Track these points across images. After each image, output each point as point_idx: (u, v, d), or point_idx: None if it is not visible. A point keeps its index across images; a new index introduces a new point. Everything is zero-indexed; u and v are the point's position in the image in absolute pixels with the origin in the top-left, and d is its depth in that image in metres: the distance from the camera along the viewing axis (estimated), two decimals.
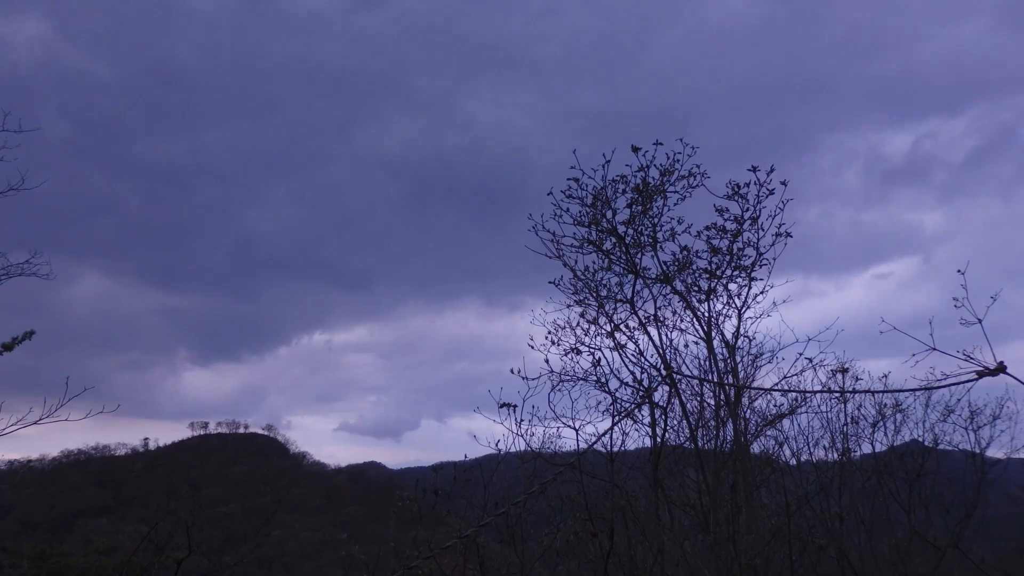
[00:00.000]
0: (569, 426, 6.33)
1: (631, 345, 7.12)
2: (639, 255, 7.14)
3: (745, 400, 7.34)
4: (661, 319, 7.18)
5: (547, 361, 7.19)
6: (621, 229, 7.10)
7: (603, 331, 7.19)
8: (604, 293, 7.24)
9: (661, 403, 6.84)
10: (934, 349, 3.53)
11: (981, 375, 3.02)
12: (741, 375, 7.22)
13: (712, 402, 7.01)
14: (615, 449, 6.22)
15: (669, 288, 7.20)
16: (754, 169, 6.85)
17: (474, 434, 6.24)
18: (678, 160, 6.90)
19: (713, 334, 7.11)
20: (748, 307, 7.18)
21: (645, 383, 6.98)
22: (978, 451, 8.87)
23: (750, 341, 7.25)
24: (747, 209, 6.96)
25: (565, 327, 7.38)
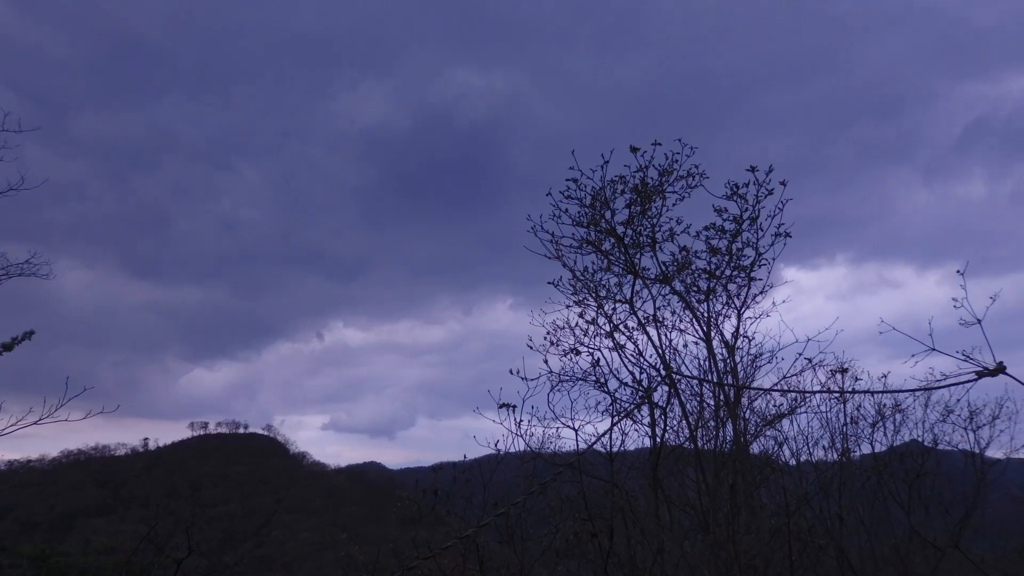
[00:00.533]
0: (569, 426, 6.33)
1: (630, 345, 7.12)
2: (638, 255, 7.14)
3: (745, 400, 7.34)
4: (660, 319, 7.17)
5: (546, 361, 7.19)
6: (620, 230, 7.10)
7: (602, 331, 7.19)
8: (603, 293, 7.24)
9: (660, 403, 6.85)
10: (933, 349, 3.53)
11: (980, 375, 3.02)
12: (740, 375, 7.22)
13: (711, 402, 7.01)
14: (615, 449, 6.21)
15: (668, 288, 7.20)
16: (752, 169, 6.85)
17: (473, 434, 6.24)
18: (677, 160, 6.90)
19: (712, 334, 7.11)
20: (747, 307, 7.19)
21: (644, 383, 6.98)
22: (977, 451, 8.88)
23: (749, 341, 7.26)
24: (746, 209, 6.96)
25: (564, 327, 7.38)
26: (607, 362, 7.08)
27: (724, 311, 7.20)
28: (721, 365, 7.11)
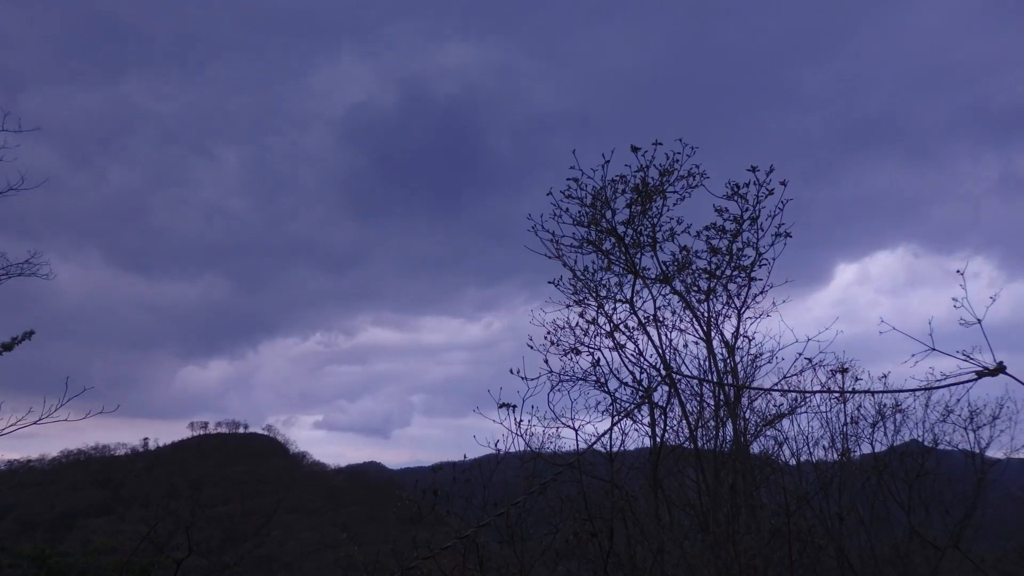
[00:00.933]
0: (569, 426, 6.32)
1: (630, 345, 7.12)
2: (639, 255, 7.14)
3: (745, 400, 7.34)
4: (660, 319, 7.17)
5: (546, 361, 7.19)
6: (620, 229, 7.10)
7: (603, 331, 7.18)
8: (604, 293, 7.24)
9: (661, 403, 6.84)
10: (933, 349, 3.53)
11: (980, 375, 3.02)
12: (741, 375, 7.22)
13: (712, 402, 7.01)
14: (615, 449, 6.22)
15: (668, 288, 7.20)
16: (753, 169, 6.85)
17: (473, 434, 6.24)
18: (677, 160, 6.91)
19: (712, 334, 7.11)
20: (747, 307, 7.19)
21: (645, 383, 6.98)
22: (978, 451, 8.88)
23: (749, 341, 7.26)
24: (746, 209, 6.96)
25: (564, 327, 7.38)
26: (607, 362, 7.08)
27: (724, 311, 7.21)
28: (721, 365, 7.11)
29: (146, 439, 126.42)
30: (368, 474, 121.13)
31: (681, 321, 7.26)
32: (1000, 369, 2.94)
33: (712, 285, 7.13)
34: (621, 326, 7.19)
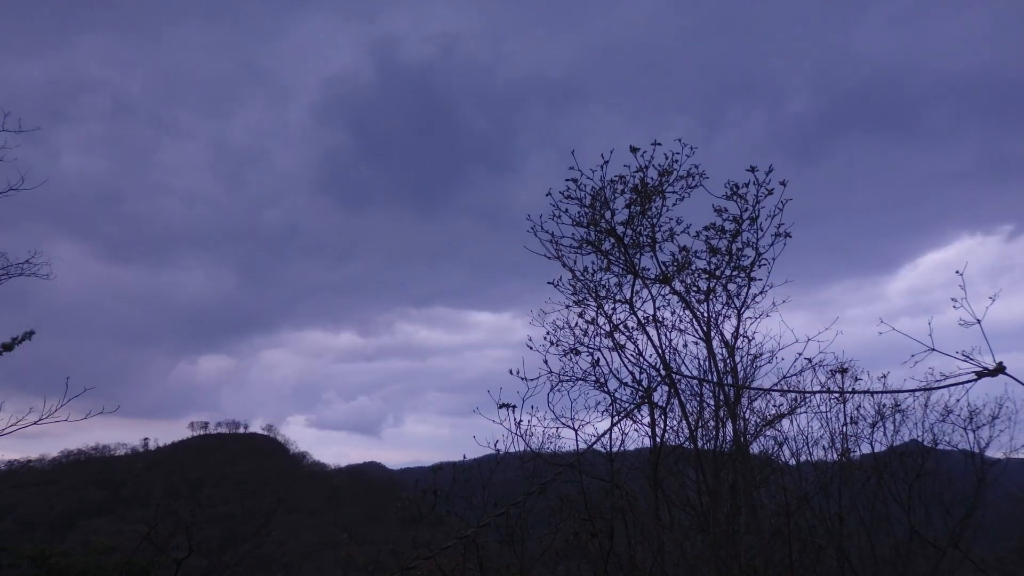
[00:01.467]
0: (568, 426, 6.32)
1: (630, 345, 7.12)
2: (638, 256, 7.14)
3: (744, 400, 7.34)
4: (660, 319, 7.17)
5: (546, 361, 7.19)
6: (620, 230, 7.10)
7: (602, 331, 7.19)
8: (603, 294, 7.24)
9: (660, 403, 6.85)
10: (933, 350, 3.54)
11: (980, 375, 3.03)
12: (740, 375, 7.22)
13: (711, 402, 7.01)
14: (615, 449, 6.22)
15: (668, 288, 7.20)
16: (752, 169, 6.85)
17: (473, 434, 6.24)
18: (676, 160, 6.91)
19: (712, 334, 7.11)
20: (747, 307, 7.19)
21: (644, 383, 6.98)
22: (977, 451, 8.88)
23: (749, 341, 7.26)
24: (746, 209, 6.96)
25: (564, 327, 7.39)
26: (607, 362, 7.08)
27: (724, 311, 7.21)
28: (721, 365, 7.11)
29: (146, 439, 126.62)
30: (368, 474, 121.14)
31: (681, 321, 7.26)
32: (1000, 369, 2.95)
33: (712, 285, 7.13)
34: (621, 326, 7.19)
